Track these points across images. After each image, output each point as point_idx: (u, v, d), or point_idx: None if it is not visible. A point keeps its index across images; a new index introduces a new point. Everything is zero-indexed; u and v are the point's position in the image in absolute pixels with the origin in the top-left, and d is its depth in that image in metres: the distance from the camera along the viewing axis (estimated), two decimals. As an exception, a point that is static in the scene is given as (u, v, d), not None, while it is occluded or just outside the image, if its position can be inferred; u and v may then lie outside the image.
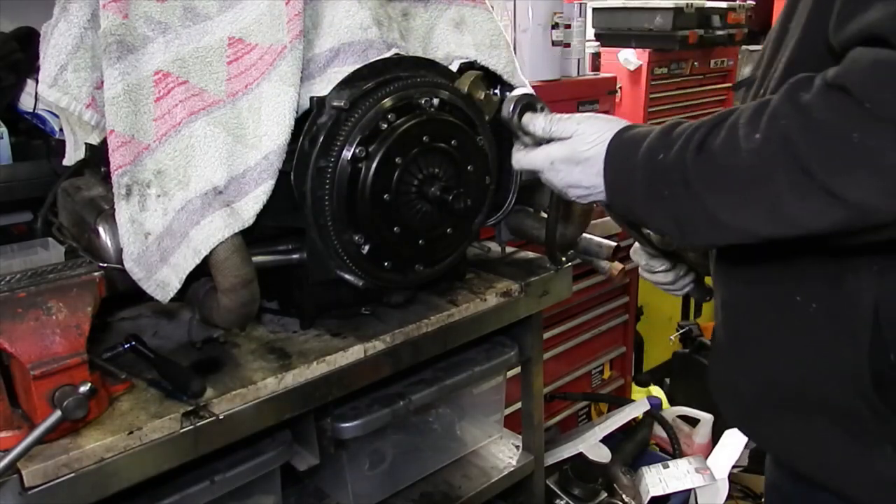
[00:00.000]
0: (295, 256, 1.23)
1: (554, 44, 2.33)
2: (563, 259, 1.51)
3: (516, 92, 1.09)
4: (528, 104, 1.05)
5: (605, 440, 2.42)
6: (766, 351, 0.97)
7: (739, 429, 1.09)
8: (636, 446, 2.59)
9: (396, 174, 1.19)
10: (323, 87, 1.19)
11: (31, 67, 1.56)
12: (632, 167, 0.90)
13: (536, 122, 1.01)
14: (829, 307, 0.88)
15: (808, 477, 0.98)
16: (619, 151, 0.92)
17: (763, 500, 1.26)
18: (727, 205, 0.81)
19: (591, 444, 2.36)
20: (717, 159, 0.81)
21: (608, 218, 2.17)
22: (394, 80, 1.21)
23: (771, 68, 0.97)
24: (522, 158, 1.04)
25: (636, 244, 1.25)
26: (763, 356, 0.97)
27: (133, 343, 1.16)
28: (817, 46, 0.83)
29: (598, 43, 2.99)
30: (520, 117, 1.05)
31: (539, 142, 1.03)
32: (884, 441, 0.87)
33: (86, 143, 1.31)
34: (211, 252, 1.05)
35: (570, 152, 0.96)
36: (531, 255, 1.60)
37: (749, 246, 0.88)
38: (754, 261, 0.95)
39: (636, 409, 2.59)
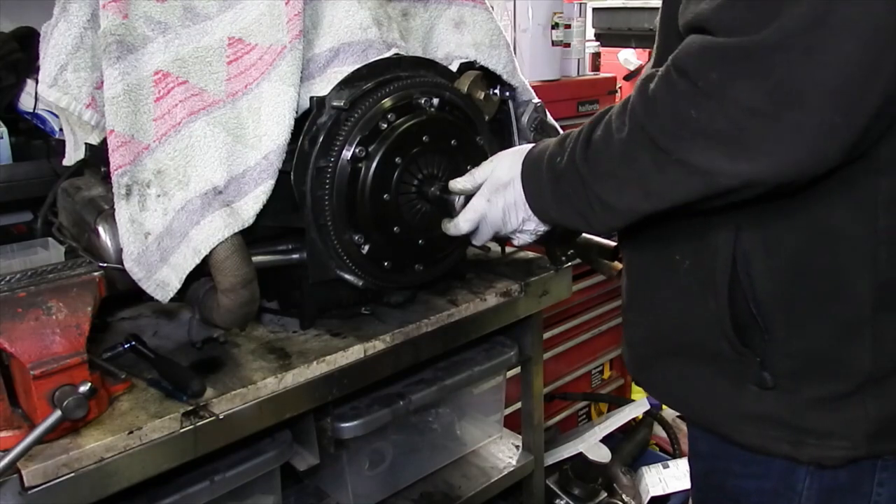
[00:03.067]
0: (295, 256, 1.23)
1: (554, 44, 2.33)
2: (563, 259, 1.51)
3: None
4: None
5: (605, 440, 2.42)
6: (651, 305, 1.10)
7: (635, 380, 1.19)
8: (636, 446, 2.59)
9: (396, 174, 1.19)
10: (323, 86, 1.19)
11: (31, 67, 1.56)
12: (539, 177, 1.04)
13: (459, 181, 1.17)
14: (696, 262, 1.00)
15: (689, 418, 1.13)
16: (530, 168, 1.06)
17: None
18: (612, 189, 0.94)
19: (591, 444, 2.36)
20: (598, 150, 0.95)
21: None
22: (393, 79, 1.21)
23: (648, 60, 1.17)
24: (461, 217, 1.15)
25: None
26: (650, 310, 1.10)
27: (133, 343, 1.16)
28: (671, 37, 0.94)
29: (598, 43, 2.99)
30: (447, 192, 1.19)
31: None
32: (747, 381, 0.98)
33: (86, 143, 1.30)
34: (211, 252, 1.05)
35: (495, 182, 1.10)
36: (531, 255, 1.60)
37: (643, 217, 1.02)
38: (642, 228, 1.05)
39: (636, 409, 2.59)
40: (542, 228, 1.11)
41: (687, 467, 2.36)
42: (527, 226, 1.10)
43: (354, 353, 1.21)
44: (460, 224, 1.15)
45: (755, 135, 0.81)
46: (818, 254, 0.92)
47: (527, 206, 1.07)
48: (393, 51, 1.24)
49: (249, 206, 1.10)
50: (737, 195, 0.87)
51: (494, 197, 1.11)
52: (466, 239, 1.19)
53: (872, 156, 0.87)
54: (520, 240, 1.15)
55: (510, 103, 1.43)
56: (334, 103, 1.16)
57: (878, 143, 0.86)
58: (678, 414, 2.78)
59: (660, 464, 2.46)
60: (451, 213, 1.18)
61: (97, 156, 1.24)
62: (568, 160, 0.99)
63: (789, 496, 1.02)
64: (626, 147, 0.91)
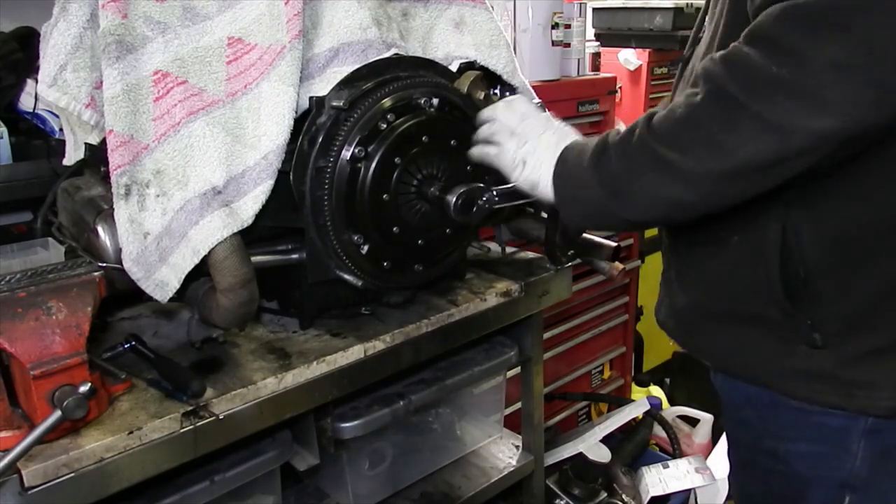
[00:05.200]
0: (294, 256, 1.23)
1: (554, 44, 2.33)
2: (563, 259, 1.51)
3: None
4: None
5: (605, 440, 2.42)
6: (700, 276, 1.18)
7: (678, 341, 1.27)
8: (636, 446, 2.59)
9: (395, 174, 1.19)
10: (322, 87, 1.19)
11: (31, 67, 1.56)
12: (582, 163, 1.07)
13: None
14: (745, 237, 1.08)
15: (735, 375, 1.18)
16: (569, 154, 1.10)
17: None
18: (681, 150, 0.97)
19: (591, 444, 2.36)
20: (664, 120, 0.98)
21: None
22: (393, 80, 1.21)
23: (695, 46, 1.26)
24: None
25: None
26: (698, 280, 1.19)
27: (133, 343, 1.16)
28: (738, 23, 0.99)
29: (598, 43, 2.99)
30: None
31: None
32: (798, 341, 1.07)
33: (85, 143, 1.31)
34: (210, 252, 1.05)
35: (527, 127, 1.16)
36: (531, 255, 1.60)
37: None
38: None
39: (636, 409, 2.59)
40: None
41: (687, 467, 2.39)
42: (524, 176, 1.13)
43: (354, 353, 1.21)
44: (482, 125, 1.21)
45: (834, 89, 0.85)
46: (864, 224, 1.02)
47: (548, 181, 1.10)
48: (393, 51, 1.24)
49: (248, 206, 1.10)
50: (802, 160, 0.91)
51: (521, 144, 1.14)
52: (466, 239, 1.19)
53: None
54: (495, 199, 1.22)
55: (510, 103, 1.42)
56: (334, 103, 1.16)
57: None
58: (683, 415, 2.79)
59: (660, 464, 2.46)
60: (450, 213, 1.18)
61: (97, 156, 1.24)
62: (619, 141, 1.03)
63: (843, 457, 1.09)
64: (699, 109, 0.94)
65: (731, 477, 1.34)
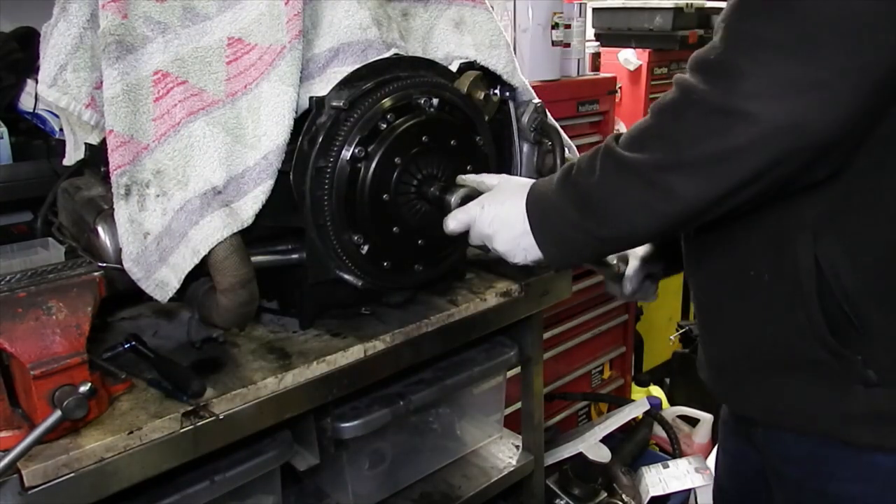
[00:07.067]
0: (294, 256, 1.23)
1: (554, 44, 2.33)
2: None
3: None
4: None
5: (605, 440, 2.42)
6: (733, 323, 1.09)
7: (722, 401, 1.21)
8: (636, 446, 2.59)
9: (395, 174, 1.19)
10: (322, 87, 1.19)
11: (31, 67, 1.56)
12: (563, 192, 1.01)
13: (469, 176, 1.20)
14: (777, 275, 1.00)
15: (790, 430, 1.08)
16: (539, 192, 1.05)
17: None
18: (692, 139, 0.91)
19: (591, 444, 2.36)
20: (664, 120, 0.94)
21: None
22: (393, 80, 1.21)
23: None
24: (450, 216, 1.14)
25: (606, 283, 1.41)
26: (732, 328, 1.10)
27: (133, 343, 1.16)
28: None
29: (598, 43, 2.99)
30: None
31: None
32: (851, 382, 0.98)
33: (85, 143, 1.31)
34: (210, 252, 1.05)
35: (497, 193, 1.10)
36: (531, 254, 1.60)
37: (706, 238, 1.08)
38: (711, 251, 1.09)
39: (636, 409, 2.59)
40: (530, 260, 1.07)
41: (687, 466, 2.39)
42: (516, 256, 1.07)
43: (354, 353, 1.21)
44: (448, 222, 1.14)
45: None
46: None
47: (529, 234, 1.03)
48: (392, 51, 1.24)
49: (248, 206, 1.10)
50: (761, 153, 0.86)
51: (489, 205, 1.09)
52: (466, 239, 1.19)
53: None
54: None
55: (510, 103, 1.43)
56: (334, 103, 1.16)
57: None
58: (683, 415, 2.79)
59: (660, 464, 2.46)
60: (449, 212, 1.18)
61: (97, 156, 1.24)
62: (584, 158, 0.99)
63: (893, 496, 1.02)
64: (657, 108, 0.94)
65: None
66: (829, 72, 0.82)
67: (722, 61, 0.87)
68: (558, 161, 1.40)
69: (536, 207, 1.04)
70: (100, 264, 1.06)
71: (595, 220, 0.97)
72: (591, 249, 1.02)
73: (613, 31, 3.04)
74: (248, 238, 1.09)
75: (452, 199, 1.17)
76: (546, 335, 2.30)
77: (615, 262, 1.38)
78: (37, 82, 1.24)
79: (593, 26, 3.05)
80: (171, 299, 1.08)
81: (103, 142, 1.11)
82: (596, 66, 2.58)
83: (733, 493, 1.35)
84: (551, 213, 1.02)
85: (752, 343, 1.07)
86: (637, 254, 1.37)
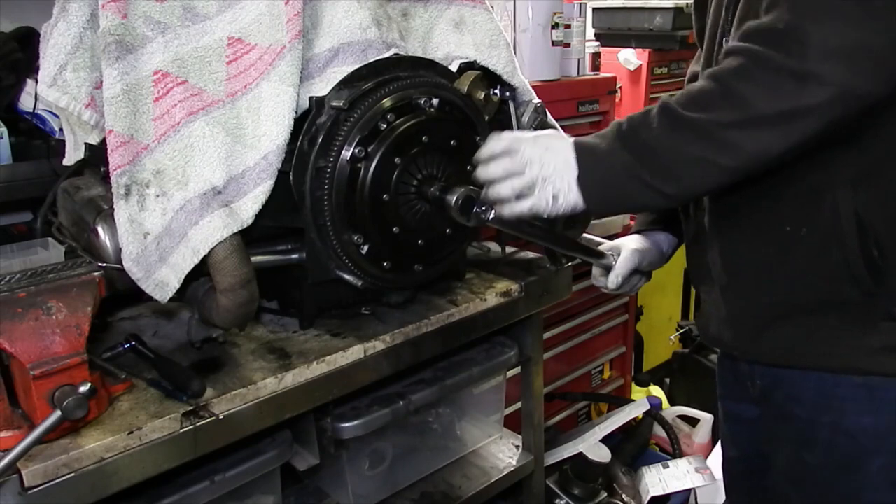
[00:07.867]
0: (294, 256, 1.23)
1: (554, 44, 2.33)
2: (563, 259, 1.51)
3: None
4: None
5: (605, 440, 2.42)
6: (768, 277, 1.19)
7: (738, 350, 1.28)
8: (636, 446, 2.58)
9: (395, 174, 1.19)
10: (322, 87, 1.19)
11: (31, 67, 1.56)
12: (610, 150, 1.08)
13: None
14: (816, 226, 1.12)
15: (809, 367, 1.18)
16: (589, 145, 1.10)
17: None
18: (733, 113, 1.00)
19: (591, 444, 2.35)
20: (702, 92, 1.03)
21: (608, 218, 2.20)
22: (393, 80, 1.21)
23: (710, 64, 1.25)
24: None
25: (593, 273, 1.45)
26: (766, 282, 1.19)
27: (133, 343, 1.16)
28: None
29: (598, 43, 2.99)
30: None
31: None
32: (878, 319, 1.12)
33: (85, 143, 1.31)
34: (210, 252, 1.05)
35: (539, 138, 1.13)
36: (531, 255, 1.60)
37: (737, 197, 1.17)
38: (742, 210, 1.19)
39: (636, 408, 2.58)
40: (561, 204, 1.09)
41: (687, 466, 2.39)
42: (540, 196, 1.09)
43: (354, 353, 1.21)
44: (490, 142, 1.15)
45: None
46: None
47: (572, 170, 1.08)
48: (392, 51, 1.24)
49: (248, 206, 1.10)
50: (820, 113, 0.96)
51: (540, 137, 1.13)
52: (466, 239, 1.19)
53: None
54: (515, 207, 1.12)
55: (510, 103, 1.43)
56: (334, 103, 1.16)
57: None
58: (683, 415, 2.79)
59: (660, 464, 2.46)
60: (449, 212, 1.18)
61: (97, 156, 1.24)
62: (639, 115, 1.07)
63: None
64: (717, 74, 1.01)
65: (769, 449, 1.31)
66: (888, 36, 0.93)
67: (791, 28, 0.96)
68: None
69: (584, 149, 1.09)
70: (100, 264, 1.06)
71: (654, 169, 1.04)
72: (642, 198, 1.07)
73: (613, 31, 3.04)
74: (248, 238, 1.09)
75: (452, 200, 1.18)
76: (546, 335, 2.30)
77: (610, 253, 1.40)
78: (37, 82, 1.25)
79: (593, 26, 3.05)
80: (171, 299, 1.08)
81: (103, 142, 1.11)
82: (596, 66, 2.58)
83: (739, 460, 1.44)
84: (603, 158, 1.07)
85: (786, 291, 1.17)
86: (629, 247, 1.40)
